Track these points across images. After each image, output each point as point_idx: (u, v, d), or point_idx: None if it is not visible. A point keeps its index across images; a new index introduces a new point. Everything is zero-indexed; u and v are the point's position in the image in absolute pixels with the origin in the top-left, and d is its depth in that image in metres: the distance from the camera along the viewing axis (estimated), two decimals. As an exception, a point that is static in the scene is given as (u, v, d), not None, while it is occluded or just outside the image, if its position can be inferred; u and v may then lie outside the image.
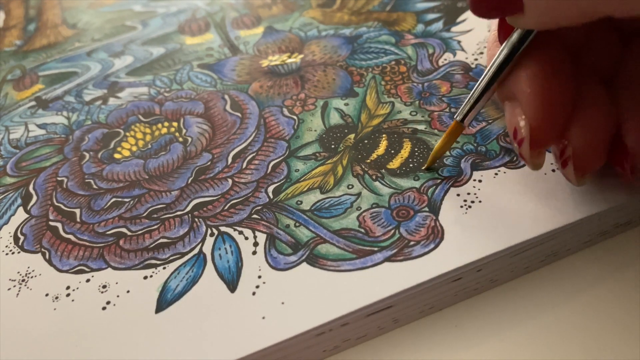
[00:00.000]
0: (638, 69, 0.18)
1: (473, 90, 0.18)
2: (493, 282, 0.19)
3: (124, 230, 0.20)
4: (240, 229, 0.20)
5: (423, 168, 0.21)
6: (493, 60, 0.18)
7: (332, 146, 0.22)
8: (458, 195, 0.20)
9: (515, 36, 0.17)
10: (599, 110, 0.17)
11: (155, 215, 0.20)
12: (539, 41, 0.17)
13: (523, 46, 0.17)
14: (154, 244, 0.19)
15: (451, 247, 0.18)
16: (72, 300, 0.18)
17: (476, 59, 0.26)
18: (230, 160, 0.22)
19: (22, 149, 0.25)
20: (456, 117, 0.19)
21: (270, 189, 0.21)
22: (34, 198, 0.22)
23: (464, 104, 0.19)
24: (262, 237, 0.19)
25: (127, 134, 0.24)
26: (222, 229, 0.20)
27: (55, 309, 0.18)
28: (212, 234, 0.19)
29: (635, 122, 0.17)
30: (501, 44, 0.17)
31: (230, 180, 0.21)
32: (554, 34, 0.17)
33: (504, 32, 0.18)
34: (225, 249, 0.19)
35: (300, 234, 0.19)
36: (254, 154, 0.22)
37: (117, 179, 0.22)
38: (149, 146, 0.24)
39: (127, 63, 0.29)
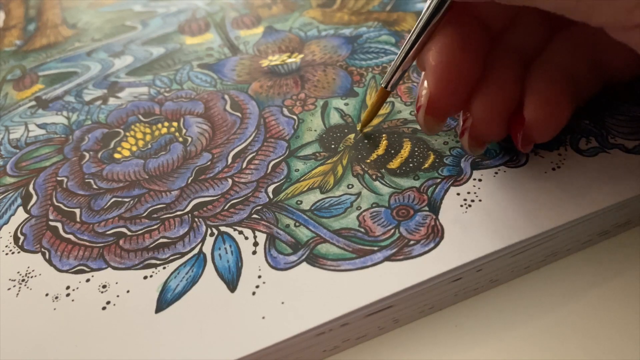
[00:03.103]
0: (552, 56, 0.19)
1: (395, 59, 0.20)
2: (493, 282, 0.19)
3: (124, 230, 0.20)
4: (240, 228, 0.20)
5: (358, 129, 0.23)
6: (412, 31, 0.19)
7: (332, 146, 0.22)
8: (458, 194, 0.20)
9: (432, 6, 0.18)
10: (502, 87, 0.18)
11: (155, 215, 0.20)
12: (453, 18, 0.18)
13: (436, 18, 0.18)
14: (153, 244, 0.19)
15: (451, 246, 0.18)
16: (72, 300, 0.18)
17: (476, 59, 0.26)
18: (230, 160, 0.22)
19: (22, 148, 0.25)
20: (382, 83, 0.21)
21: (270, 188, 0.21)
22: (34, 198, 0.22)
23: (387, 72, 0.21)
24: (262, 237, 0.19)
25: (127, 133, 0.24)
26: (222, 228, 0.20)
27: (55, 309, 0.18)
28: (212, 234, 0.19)
29: (535, 96, 0.18)
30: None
31: (230, 180, 0.21)
32: (471, 14, 0.19)
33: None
34: (225, 248, 0.19)
35: (300, 234, 0.19)
36: (254, 154, 0.22)
37: (117, 179, 0.22)
38: (149, 146, 0.24)
39: (127, 63, 0.29)
